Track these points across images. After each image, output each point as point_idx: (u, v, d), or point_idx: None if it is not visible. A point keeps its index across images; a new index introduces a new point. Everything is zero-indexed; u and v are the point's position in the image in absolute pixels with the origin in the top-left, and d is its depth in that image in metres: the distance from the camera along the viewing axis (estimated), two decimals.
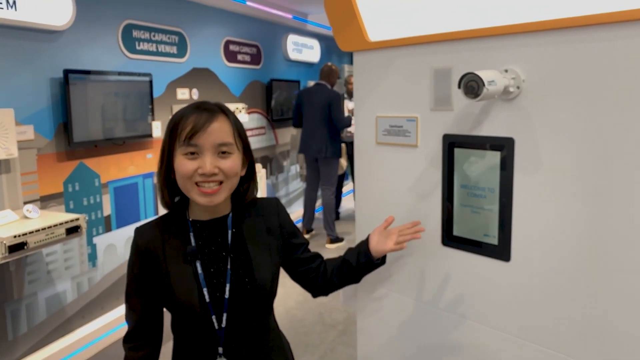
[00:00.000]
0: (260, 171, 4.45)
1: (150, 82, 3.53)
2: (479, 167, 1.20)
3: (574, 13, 1.00)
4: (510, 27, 1.09)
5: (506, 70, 1.10)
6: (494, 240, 1.20)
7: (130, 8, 3.48)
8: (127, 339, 1.22)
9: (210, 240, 1.18)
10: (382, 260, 1.28)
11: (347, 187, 7.06)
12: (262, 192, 4.51)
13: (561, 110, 1.04)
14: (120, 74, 3.31)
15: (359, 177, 1.50)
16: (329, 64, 5.16)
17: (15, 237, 2.29)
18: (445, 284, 1.31)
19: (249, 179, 1.22)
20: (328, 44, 7.09)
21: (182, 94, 4.04)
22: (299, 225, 5.99)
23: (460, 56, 1.20)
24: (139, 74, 3.46)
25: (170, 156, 1.13)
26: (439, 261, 1.32)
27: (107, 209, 3.35)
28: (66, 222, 2.55)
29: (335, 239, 5.29)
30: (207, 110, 1.11)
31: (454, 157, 1.25)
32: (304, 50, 6.14)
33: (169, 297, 1.15)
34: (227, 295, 1.15)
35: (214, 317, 1.14)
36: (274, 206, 1.28)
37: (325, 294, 1.33)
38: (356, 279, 1.31)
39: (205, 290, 1.14)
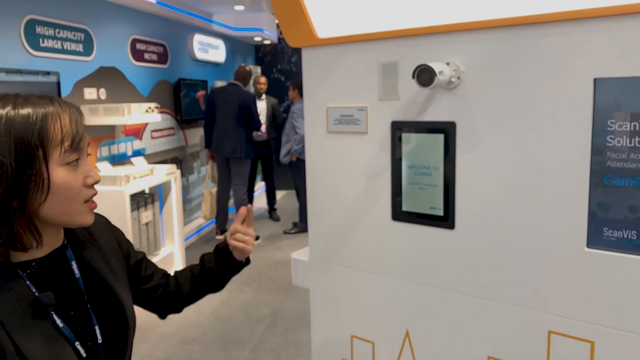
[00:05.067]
0: (175, 172, 4.37)
1: (58, 82, 3.36)
2: (425, 148, 1.37)
3: (504, 14, 1.20)
4: (450, 26, 1.27)
5: (448, 63, 1.27)
6: (439, 212, 1.37)
7: (32, 2, 3.28)
8: None
9: (53, 281, 0.91)
10: (247, 261, 1.23)
11: (259, 185, 7.11)
12: (177, 195, 4.43)
13: (496, 96, 1.24)
14: (25, 72, 3.11)
15: (310, 165, 1.61)
16: (244, 65, 5.23)
17: None
18: (397, 255, 1.47)
19: None
20: (233, 45, 7.10)
21: (90, 93, 3.87)
22: (212, 226, 5.96)
23: (405, 51, 1.36)
24: (46, 73, 3.27)
25: (38, 176, 0.82)
26: (389, 235, 1.47)
27: None
28: None
29: None
30: (64, 104, 0.88)
31: (401, 141, 1.41)
32: (210, 50, 6.11)
33: None
34: (99, 339, 0.94)
35: None
36: (105, 224, 1.10)
37: (179, 310, 1.21)
38: (220, 285, 1.22)
39: (78, 345, 0.89)
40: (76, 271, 0.95)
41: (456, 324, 1.39)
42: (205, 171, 5.74)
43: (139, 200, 3.91)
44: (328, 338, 1.67)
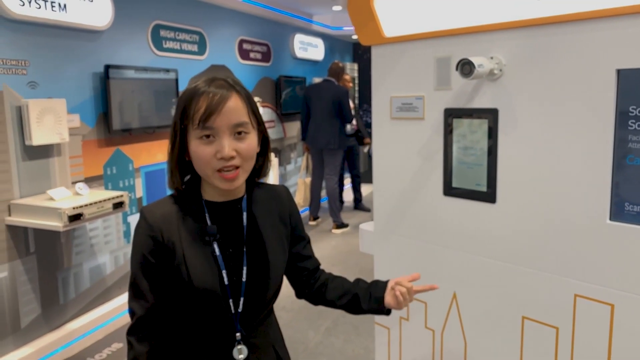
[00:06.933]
0: (273, 160, 4.81)
1: (176, 78, 3.89)
2: (472, 132, 1.57)
3: (541, 14, 1.37)
4: (494, 25, 1.46)
5: (492, 57, 1.46)
6: (483, 188, 1.56)
7: (159, 9, 3.84)
8: (133, 330, 1.11)
9: (225, 222, 1.14)
10: (388, 312, 1.29)
11: (347, 180, 7.38)
12: (274, 180, 4.87)
13: (532, 86, 1.41)
14: (150, 70, 3.67)
15: (377, 146, 1.86)
16: (337, 62, 5.52)
17: (74, 208, 2.65)
18: (446, 226, 1.68)
19: (263, 154, 1.19)
20: (331, 43, 7.45)
21: None
22: (306, 213, 6.36)
23: (457, 47, 1.57)
24: (166, 70, 3.82)
25: (183, 138, 1.07)
26: (441, 208, 1.68)
27: (139, 191, 3.71)
28: (113, 198, 2.92)
29: (341, 225, 5.65)
30: (219, 87, 1.05)
31: (453, 126, 1.62)
32: (309, 48, 6.51)
33: (183, 280, 1.07)
34: (244, 278, 1.12)
35: (231, 301, 1.10)
36: (285, 194, 1.28)
37: (314, 303, 1.33)
38: (356, 312, 1.29)
39: (224, 273, 1.10)
40: (244, 221, 1.16)
41: (495, 288, 1.57)
42: (301, 162, 6.16)
43: None
44: None
